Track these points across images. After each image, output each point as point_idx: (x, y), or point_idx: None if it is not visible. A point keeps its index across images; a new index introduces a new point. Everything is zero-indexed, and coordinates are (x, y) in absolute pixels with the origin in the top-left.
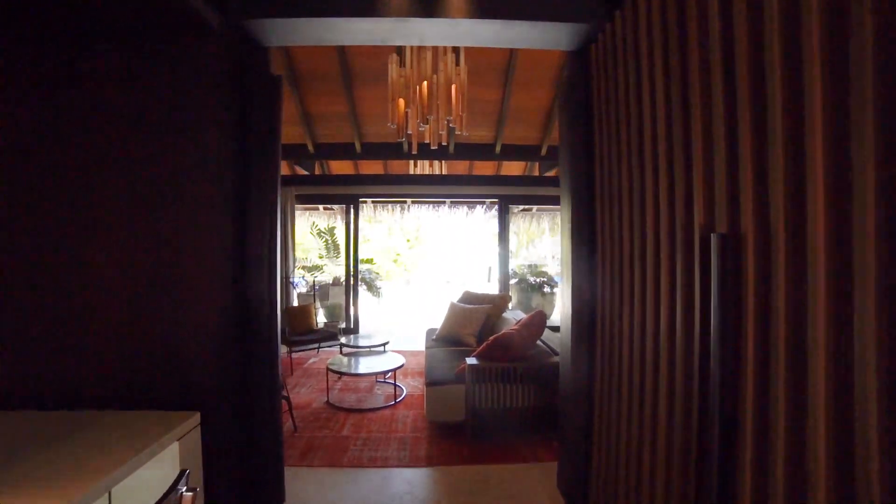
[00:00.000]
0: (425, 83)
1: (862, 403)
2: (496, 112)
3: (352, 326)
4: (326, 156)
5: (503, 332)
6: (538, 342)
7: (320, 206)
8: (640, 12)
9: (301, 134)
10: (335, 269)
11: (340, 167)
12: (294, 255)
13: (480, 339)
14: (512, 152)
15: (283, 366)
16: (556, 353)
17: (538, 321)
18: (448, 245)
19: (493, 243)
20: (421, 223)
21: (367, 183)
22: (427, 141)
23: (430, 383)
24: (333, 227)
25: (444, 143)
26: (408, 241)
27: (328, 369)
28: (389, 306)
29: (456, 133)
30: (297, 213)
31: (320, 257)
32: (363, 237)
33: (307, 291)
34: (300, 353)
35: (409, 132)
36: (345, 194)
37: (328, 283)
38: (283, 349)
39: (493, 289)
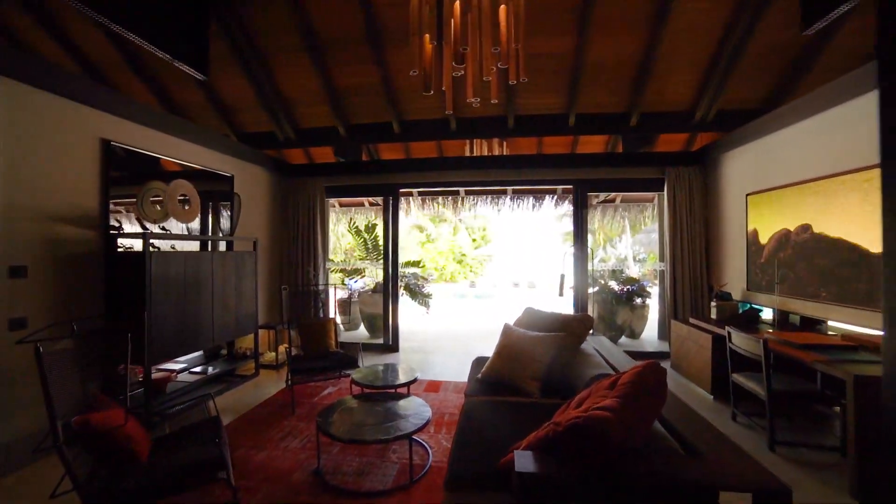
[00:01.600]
0: (457, 3)
1: None
2: (567, 70)
3: (390, 342)
4: (360, 139)
5: (589, 412)
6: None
7: (366, 202)
8: None
9: (327, 114)
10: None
11: (380, 153)
12: (323, 255)
13: (547, 383)
14: (590, 124)
15: (279, 403)
16: (695, 450)
17: (654, 384)
18: (514, 244)
19: (560, 246)
20: (487, 220)
21: (410, 169)
22: (472, 100)
23: (453, 482)
24: (375, 224)
25: (502, 116)
26: (473, 240)
27: (316, 426)
28: (446, 314)
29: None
30: (340, 209)
31: (361, 259)
32: (426, 236)
33: (348, 297)
34: (317, 383)
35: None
36: (382, 184)
37: (369, 290)
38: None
39: (562, 303)
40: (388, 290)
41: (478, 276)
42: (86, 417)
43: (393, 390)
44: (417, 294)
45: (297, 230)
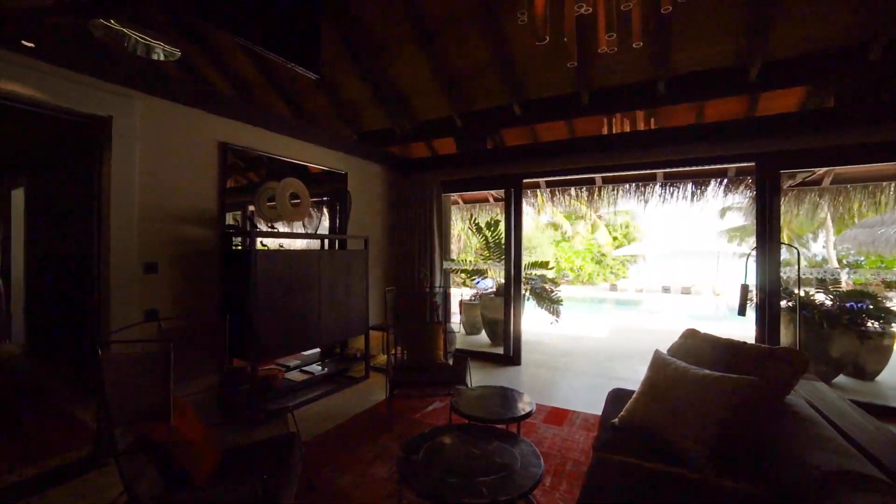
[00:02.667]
0: None
1: None
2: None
3: (511, 353)
4: (479, 126)
5: None
6: None
7: (490, 196)
8: None
9: (443, 103)
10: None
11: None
12: (439, 255)
13: (722, 450)
14: (784, 72)
15: (379, 415)
16: None
17: None
18: (665, 243)
19: (721, 246)
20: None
21: (534, 156)
22: (605, 48)
23: None
24: (498, 221)
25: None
26: (614, 238)
27: (397, 465)
28: (580, 322)
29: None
30: (464, 205)
31: (485, 258)
32: (560, 234)
33: (471, 300)
34: (420, 397)
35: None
36: (502, 175)
37: (491, 292)
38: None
39: (737, 322)
40: (509, 293)
41: (619, 278)
42: (151, 426)
43: (503, 426)
44: (544, 299)
45: (412, 228)
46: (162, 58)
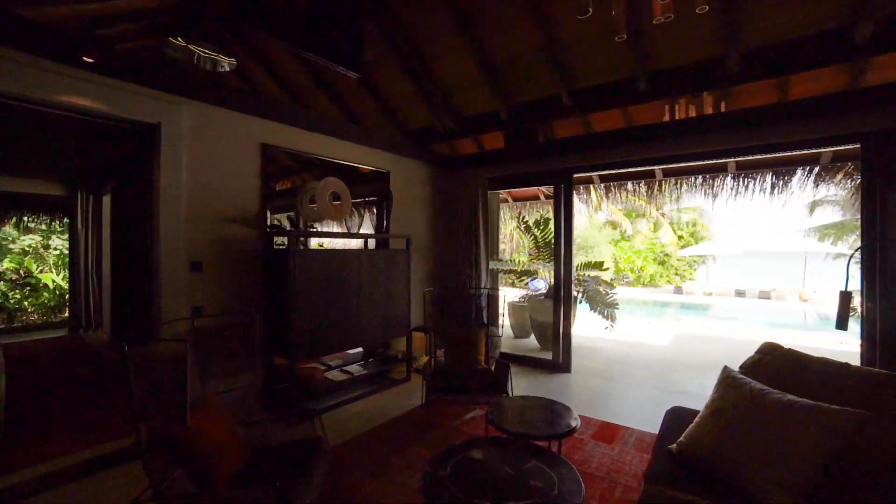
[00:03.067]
0: None
1: None
2: None
3: (560, 360)
4: (526, 119)
5: None
6: None
7: (541, 194)
8: None
9: (487, 96)
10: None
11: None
12: (485, 254)
13: (822, 500)
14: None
15: (415, 421)
16: None
17: None
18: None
19: (807, 245)
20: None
21: (586, 148)
22: (659, 18)
23: None
24: (548, 219)
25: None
26: (679, 237)
27: (422, 484)
28: (640, 326)
29: None
30: (514, 203)
31: (535, 259)
32: (620, 234)
33: (520, 301)
34: (459, 404)
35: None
36: (551, 170)
37: (541, 293)
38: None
39: (833, 335)
40: (558, 295)
41: (685, 280)
42: (169, 425)
43: (545, 442)
44: (598, 302)
45: (457, 227)
46: (226, 69)
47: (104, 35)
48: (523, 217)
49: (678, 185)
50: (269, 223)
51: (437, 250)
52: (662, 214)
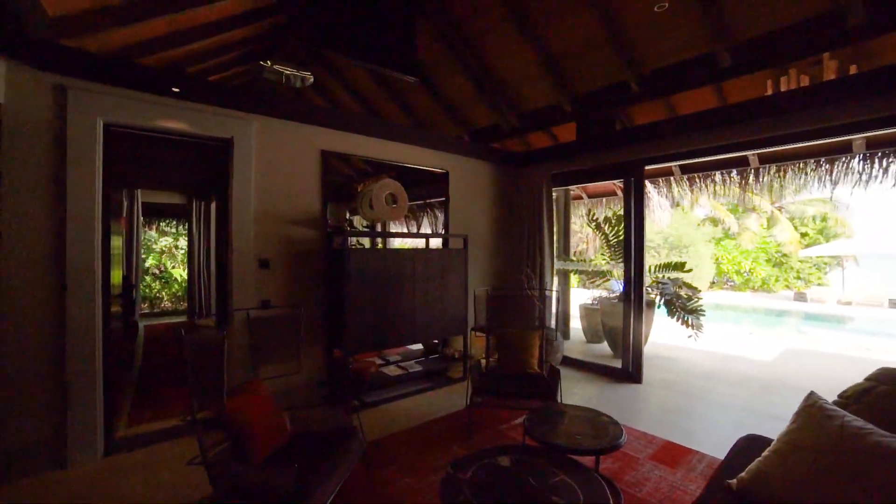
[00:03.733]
0: None
1: None
2: None
3: (630, 368)
4: (592, 109)
5: None
6: None
7: (618, 190)
8: None
9: (549, 89)
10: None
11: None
12: (549, 254)
13: None
14: None
15: (461, 422)
16: None
17: None
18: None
19: None
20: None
21: (661, 137)
22: None
23: None
24: (621, 216)
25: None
26: (803, 235)
27: (441, 484)
28: (740, 336)
29: None
30: (589, 200)
31: (609, 258)
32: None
33: (591, 303)
34: (507, 409)
35: None
36: (618, 163)
37: (613, 297)
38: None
39: None
40: (628, 299)
41: (811, 285)
42: (211, 403)
43: (580, 457)
44: (676, 307)
45: (519, 225)
46: (302, 84)
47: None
48: (593, 214)
49: (779, 173)
50: (328, 224)
51: (500, 249)
52: (779, 209)
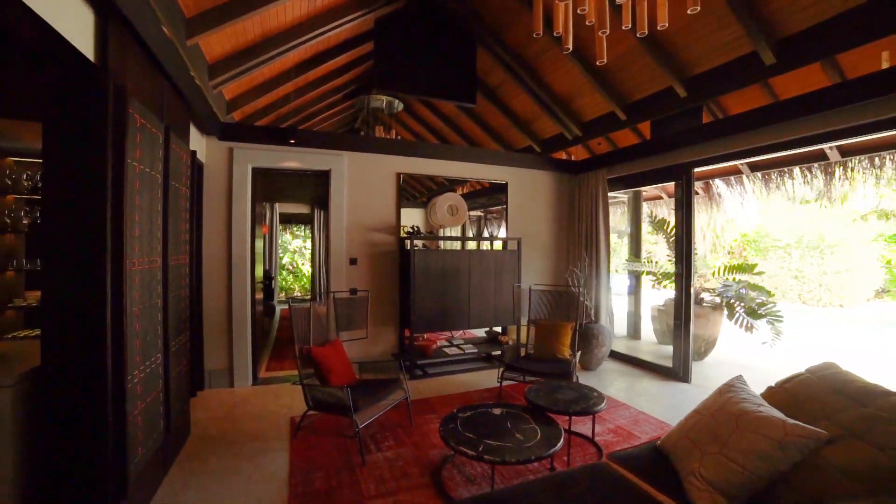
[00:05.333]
0: None
1: None
2: None
3: (679, 369)
4: (644, 116)
5: None
6: None
7: (699, 190)
8: None
9: (602, 100)
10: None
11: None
12: (605, 255)
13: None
14: None
15: (492, 395)
16: None
17: None
18: None
19: None
20: None
21: (708, 138)
22: None
23: None
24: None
25: None
26: None
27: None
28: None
29: None
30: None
31: (670, 259)
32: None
33: (662, 305)
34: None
35: None
36: (667, 167)
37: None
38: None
39: None
40: (680, 300)
41: None
42: (311, 348)
43: (569, 418)
44: (735, 310)
45: (577, 227)
46: (396, 108)
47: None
48: (654, 214)
49: (880, 162)
50: (401, 231)
51: (559, 250)
52: None
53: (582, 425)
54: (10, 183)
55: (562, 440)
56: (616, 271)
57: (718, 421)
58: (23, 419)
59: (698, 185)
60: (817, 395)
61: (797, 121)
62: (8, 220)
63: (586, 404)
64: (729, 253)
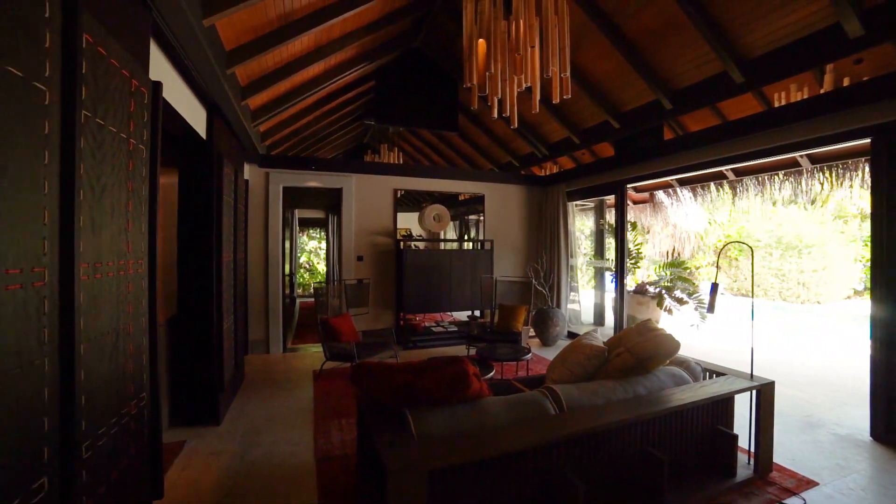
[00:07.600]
0: None
1: None
2: None
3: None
4: (591, 141)
5: None
6: None
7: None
8: None
9: (560, 126)
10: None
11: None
12: (566, 255)
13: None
14: None
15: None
16: None
17: None
18: None
19: None
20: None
21: (640, 159)
22: None
23: None
24: (634, 223)
25: None
26: None
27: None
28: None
29: None
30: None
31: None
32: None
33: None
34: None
35: None
36: (607, 183)
37: (631, 291)
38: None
39: None
40: (619, 289)
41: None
42: (328, 318)
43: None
44: (664, 299)
45: (542, 231)
46: (397, 130)
47: (336, 128)
48: (606, 222)
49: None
50: (398, 234)
51: (528, 250)
52: None
53: (521, 372)
54: None
55: (492, 372)
56: (581, 268)
57: (568, 350)
58: (167, 345)
59: (645, 195)
60: (629, 335)
61: (698, 149)
62: None
63: (516, 356)
64: (715, 253)
